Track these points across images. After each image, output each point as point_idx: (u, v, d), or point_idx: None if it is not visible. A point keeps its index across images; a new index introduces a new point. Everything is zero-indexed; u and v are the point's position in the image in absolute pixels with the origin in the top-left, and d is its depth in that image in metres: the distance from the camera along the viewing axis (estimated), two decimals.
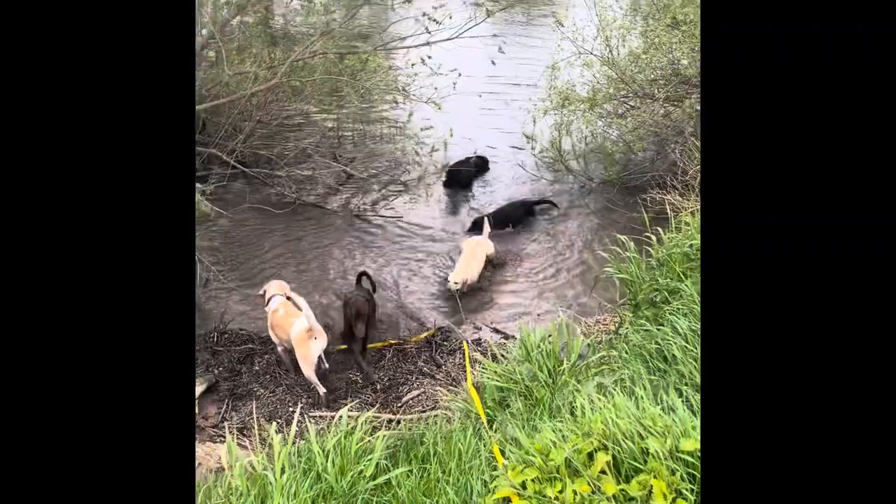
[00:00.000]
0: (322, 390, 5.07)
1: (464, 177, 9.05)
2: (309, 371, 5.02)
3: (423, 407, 5.06)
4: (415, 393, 5.28)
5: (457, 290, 6.44)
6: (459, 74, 8.38)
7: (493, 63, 8.69)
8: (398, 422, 4.60)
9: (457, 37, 7.45)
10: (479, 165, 9.22)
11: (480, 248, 6.87)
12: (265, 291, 5.60)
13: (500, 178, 9.26)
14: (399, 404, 5.11)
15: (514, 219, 7.99)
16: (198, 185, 6.23)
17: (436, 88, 8.27)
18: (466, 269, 6.57)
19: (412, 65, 8.62)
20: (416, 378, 5.47)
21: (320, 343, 5.07)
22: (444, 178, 9.04)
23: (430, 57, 8.10)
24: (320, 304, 6.38)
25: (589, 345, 4.47)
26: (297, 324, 5.07)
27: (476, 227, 7.67)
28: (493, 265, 7.05)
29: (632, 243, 5.14)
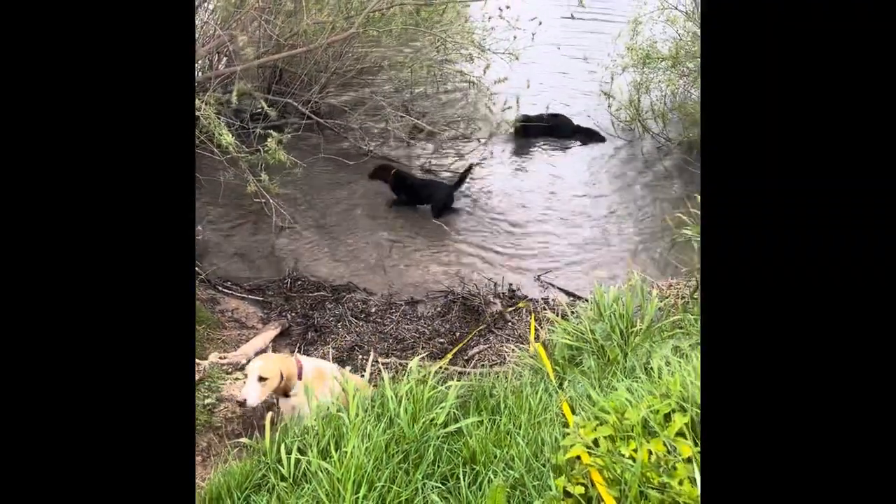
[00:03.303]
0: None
1: (533, 130, 8.92)
2: None
3: (489, 362, 5.09)
4: (480, 347, 5.30)
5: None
6: (540, 23, 8.19)
7: (572, 17, 8.45)
8: (466, 374, 4.64)
9: None
10: (553, 123, 9.03)
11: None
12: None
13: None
14: (465, 357, 5.15)
15: (432, 200, 7.23)
16: (274, 133, 6.32)
17: (515, 37, 8.11)
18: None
19: (489, 18, 8.46)
20: (482, 333, 5.49)
21: None
22: (514, 130, 8.88)
23: (507, 7, 7.93)
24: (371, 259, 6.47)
25: (660, 308, 4.38)
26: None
27: (380, 175, 7.25)
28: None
29: None
